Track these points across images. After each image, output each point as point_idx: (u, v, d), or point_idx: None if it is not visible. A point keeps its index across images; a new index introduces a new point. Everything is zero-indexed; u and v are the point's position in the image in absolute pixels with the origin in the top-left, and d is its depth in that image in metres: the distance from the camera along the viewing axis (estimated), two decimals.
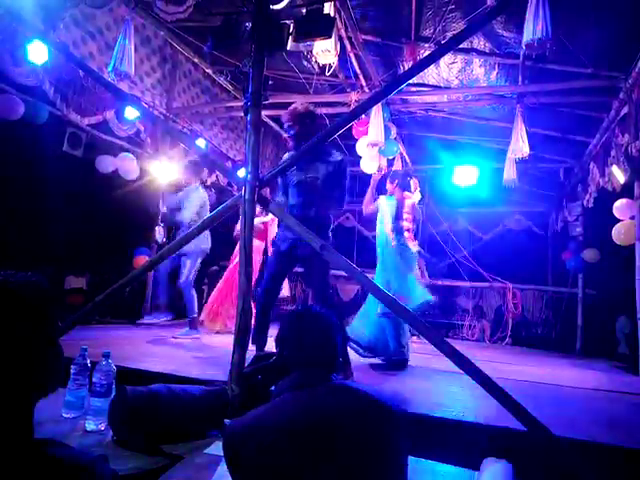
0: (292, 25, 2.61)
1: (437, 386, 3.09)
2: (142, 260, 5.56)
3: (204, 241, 4.72)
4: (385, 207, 4.09)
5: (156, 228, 5.83)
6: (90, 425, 1.86)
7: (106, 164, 5.38)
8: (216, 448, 1.79)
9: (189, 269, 4.70)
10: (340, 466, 1.04)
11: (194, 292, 4.74)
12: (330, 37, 3.00)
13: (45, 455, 0.76)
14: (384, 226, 4.03)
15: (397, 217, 4.03)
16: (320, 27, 2.54)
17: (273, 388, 1.42)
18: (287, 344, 1.36)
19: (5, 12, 3.49)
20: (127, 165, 5.46)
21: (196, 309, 4.76)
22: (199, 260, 4.76)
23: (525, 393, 2.62)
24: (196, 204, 4.69)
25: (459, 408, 2.48)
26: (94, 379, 1.93)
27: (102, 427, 1.86)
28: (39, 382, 0.83)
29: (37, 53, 3.92)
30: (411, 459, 1.32)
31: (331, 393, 1.18)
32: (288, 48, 2.66)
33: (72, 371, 1.96)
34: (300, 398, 1.16)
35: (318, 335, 1.33)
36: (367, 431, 1.11)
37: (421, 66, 2.99)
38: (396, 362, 3.71)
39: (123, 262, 5.65)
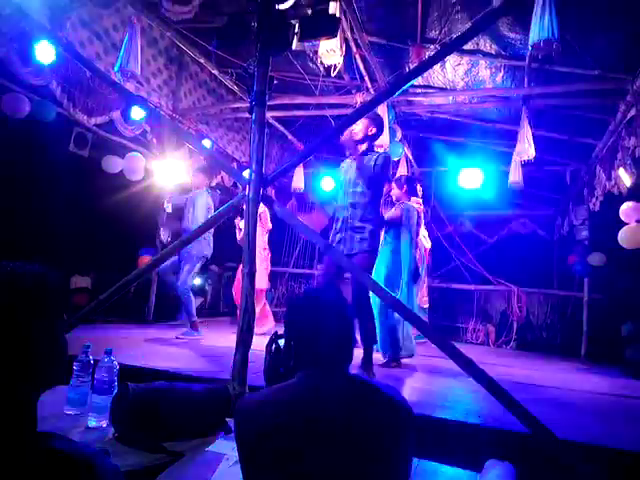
0: (297, 25, 2.62)
1: (440, 387, 3.07)
2: (147, 260, 5.57)
3: (206, 247, 4.74)
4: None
5: (161, 228, 5.87)
6: (92, 422, 1.86)
7: (112, 164, 5.40)
8: (218, 446, 1.78)
9: (186, 274, 4.69)
10: (343, 458, 1.03)
11: (192, 295, 4.74)
12: (335, 36, 3.01)
13: (47, 447, 0.76)
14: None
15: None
16: (325, 26, 2.54)
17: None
18: (297, 334, 1.23)
19: (13, 11, 3.52)
20: (134, 165, 5.47)
21: (195, 312, 4.75)
22: (198, 265, 4.77)
23: (529, 395, 2.61)
24: (202, 210, 4.72)
25: (462, 409, 2.47)
26: (96, 376, 1.93)
27: (104, 424, 1.86)
28: (41, 374, 0.83)
29: (44, 53, 3.95)
30: (413, 460, 1.31)
31: (343, 384, 1.15)
32: (293, 48, 2.66)
33: (75, 368, 1.96)
34: (311, 384, 1.13)
35: (334, 325, 1.19)
36: (376, 426, 1.08)
37: (426, 66, 2.98)
38: (391, 360, 3.79)
39: (128, 262, 5.66)
